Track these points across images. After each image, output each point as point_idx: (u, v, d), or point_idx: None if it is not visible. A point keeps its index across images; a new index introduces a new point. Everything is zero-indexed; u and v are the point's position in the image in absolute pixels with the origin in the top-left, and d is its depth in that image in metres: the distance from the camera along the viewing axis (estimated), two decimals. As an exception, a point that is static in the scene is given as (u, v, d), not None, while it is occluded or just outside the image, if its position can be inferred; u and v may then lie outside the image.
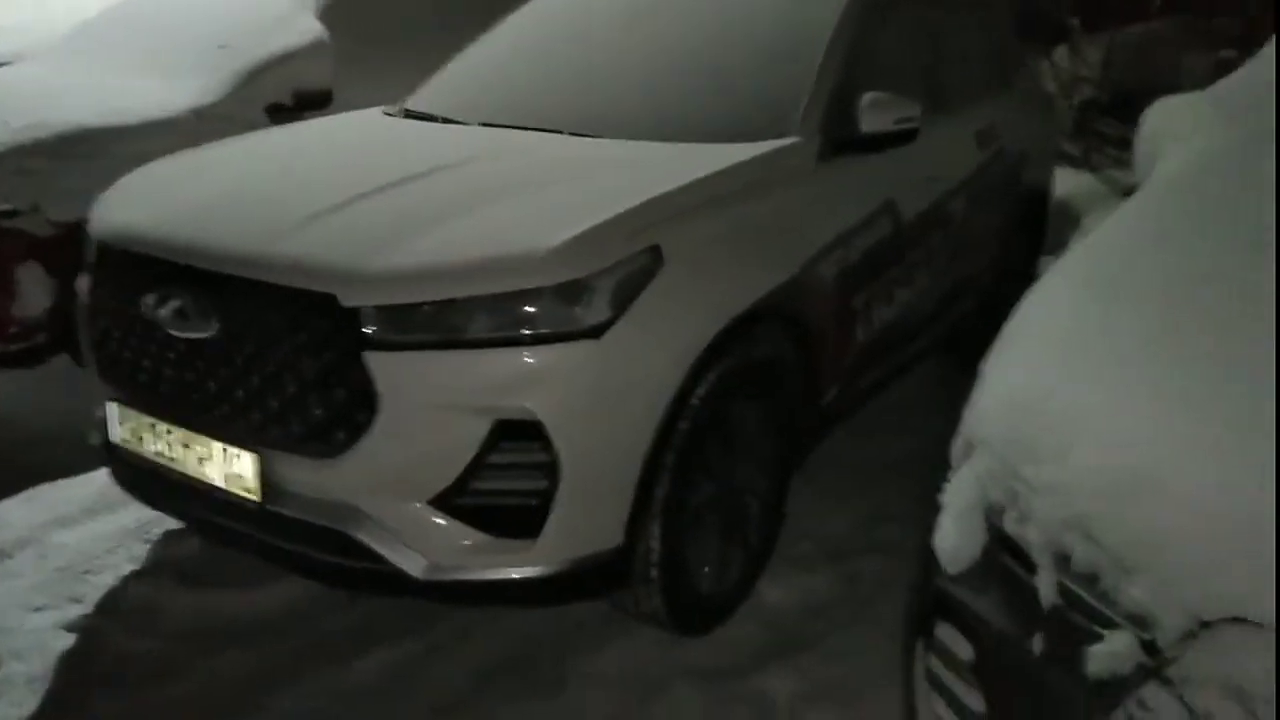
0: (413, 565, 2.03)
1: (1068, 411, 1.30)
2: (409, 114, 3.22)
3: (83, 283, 2.50)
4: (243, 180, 2.56)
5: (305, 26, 4.25)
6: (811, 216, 2.64)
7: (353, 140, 2.98)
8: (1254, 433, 1.14)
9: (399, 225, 2.14)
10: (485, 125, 2.95)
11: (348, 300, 1.98)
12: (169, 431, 2.23)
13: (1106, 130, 8.47)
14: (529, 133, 2.82)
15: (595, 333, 2.01)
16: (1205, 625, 1.07)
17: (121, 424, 2.34)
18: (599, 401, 2.02)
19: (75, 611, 2.59)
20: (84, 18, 4.86)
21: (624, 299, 2.05)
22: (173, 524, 2.92)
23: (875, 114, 2.69)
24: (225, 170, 2.67)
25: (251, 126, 3.79)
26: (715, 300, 2.25)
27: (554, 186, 2.36)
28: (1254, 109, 2.07)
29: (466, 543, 2.04)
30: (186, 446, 2.20)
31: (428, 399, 1.97)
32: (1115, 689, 1.13)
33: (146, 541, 2.89)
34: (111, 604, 2.64)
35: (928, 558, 1.49)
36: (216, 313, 2.11)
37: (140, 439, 2.29)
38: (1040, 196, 4.41)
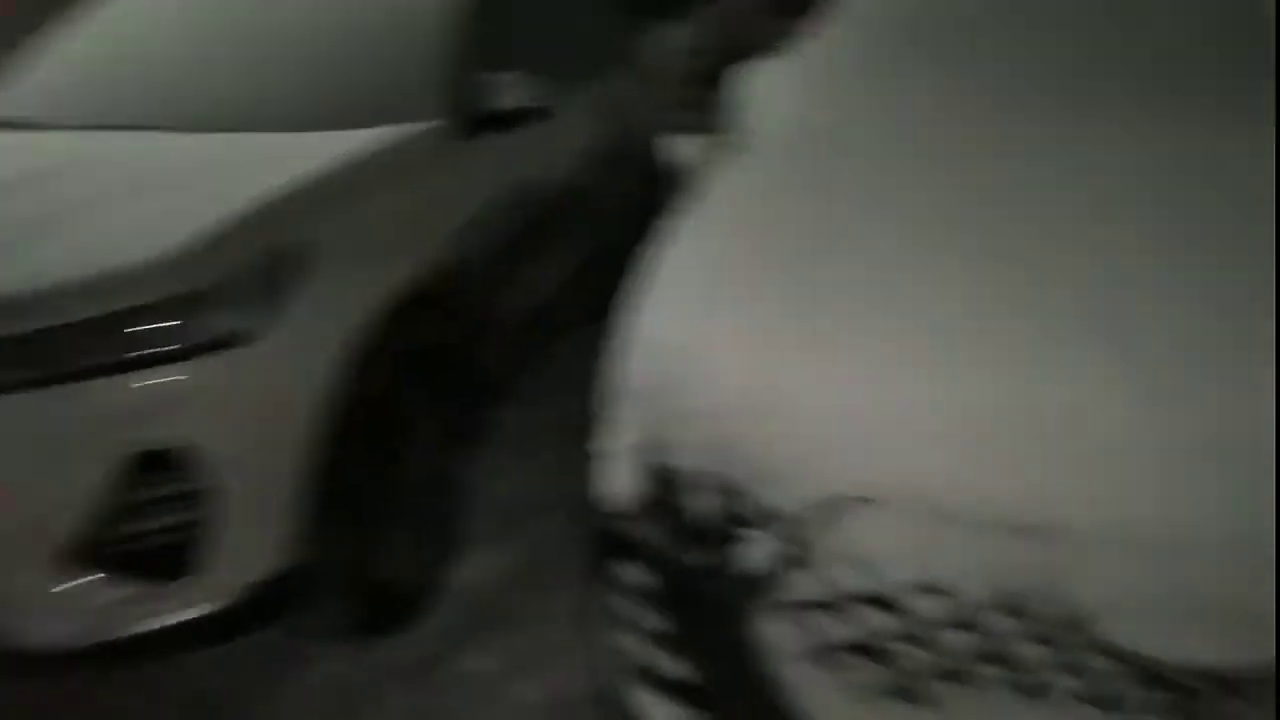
0: (51, 636, 1.79)
1: (702, 349, 1.44)
2: None
3: None
4: None
5: None
6: (454, 197, 2.65)
7: None
8: (854, 349, 1.35)
9: None
10: (74, 129, 2.64)
11: None
12: None
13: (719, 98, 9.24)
14: (132, 133, 2.56)
15: (234, 341, 1.86)
16: (828, 508, 1.24)
17: None
18: (249, 415, 1.88)
19: None
20: None
21: (265, 302, 1.93)
22: None
23: (508, 92, 2.75)
24: None
25: None
26: (368, 289, 2.18)
27: (166, 189, 2.16)
28: (838, 71, 2.37)
29: (113, 597, 1.81)
30: None
31: (42, 444, 1.73)
32: (766, 582, 1.28)
33: None
34: None
35: (595, 504, 1.56)
36: None
37: None
38: (661, 164, 4.68)
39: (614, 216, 4.02)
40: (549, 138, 3.16)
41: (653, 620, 1.44)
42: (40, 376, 1.73)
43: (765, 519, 1.28)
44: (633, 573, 1.46)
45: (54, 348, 1.75)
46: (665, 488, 1.41)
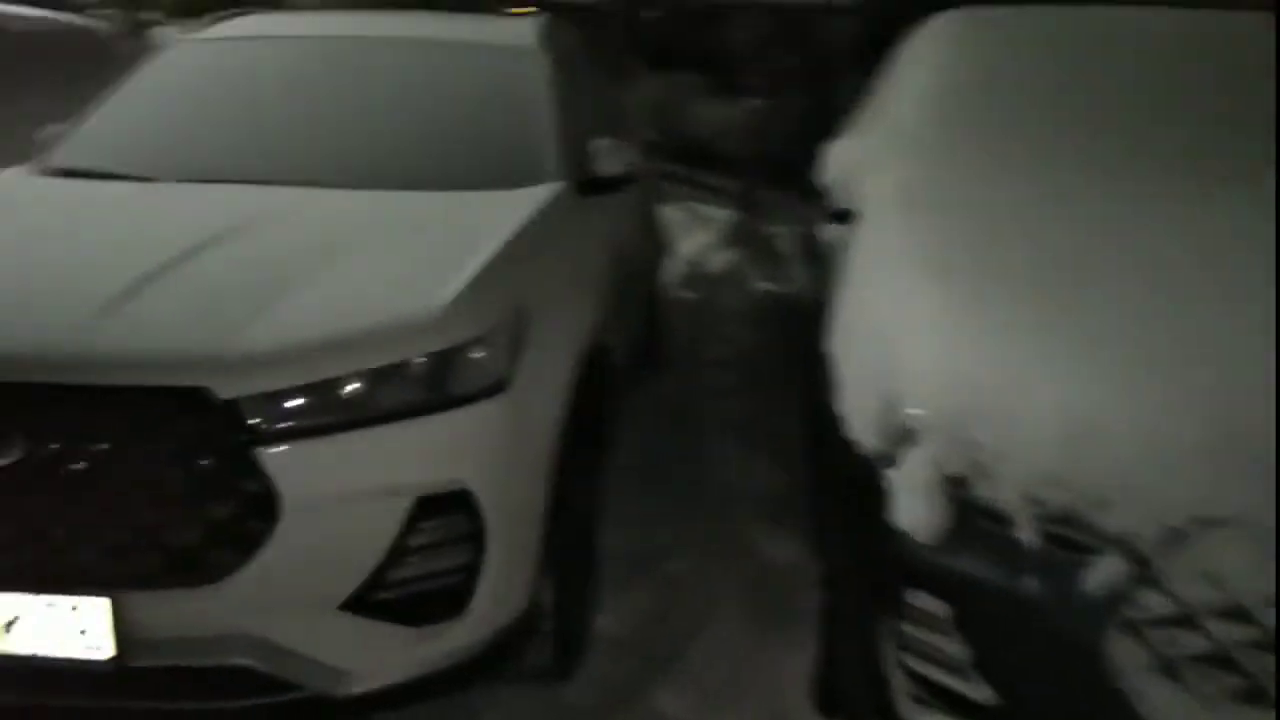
0: (333, 683, 1.72)
1: (1008, 380, 1.52)
2: (72, 172, 2.71)
3: None
4: None
5: None
6: (591, 255, 2.76)
7: (49, 207, 2.47)
8: (1174, 366, 1.46)
9: (242, 299, 1.83)
10: (199, 182, 2.57)
11: (224, 391, 1.63)
12: None
13: (672, 168, 9.42)
14: (280, 188, 2.51)
15: (501, 387, 1.87)
16: (1179, 531, 1.33)
17: None
18: (513, 457, 1.91)
19: None
20: None
21: (516, 349, 1.94)
22: None
23: (609, 158, 2.85)
24: None
25: None
26: (571, 342, 2.24)
27: (381, 242, 2.17)
28: (926, 142, 2.63)
29: (390, 641, 1.77)
30: None
31: (340, 489, 1.69)
32: (1112, 602, 1.35)
33: None
34: None
35: (882, 537, 1.62)
36: (18, 433, 1.61)
37: None
38: (657, 225, 4.86)
39: (646, 274, 4.14)
40: (630, 200, 3.29)
41: (952, 646, 1.51)
42: (328, 425, 1.70)
43: (1105, 541, 1.37)
44: (930, 602, 1.54)
45: (341, 398, 1.72)
46: (981, 519, 1.49)
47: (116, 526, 1.65)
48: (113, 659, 1.67)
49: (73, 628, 1.67)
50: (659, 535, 3.04)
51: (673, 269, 6.25)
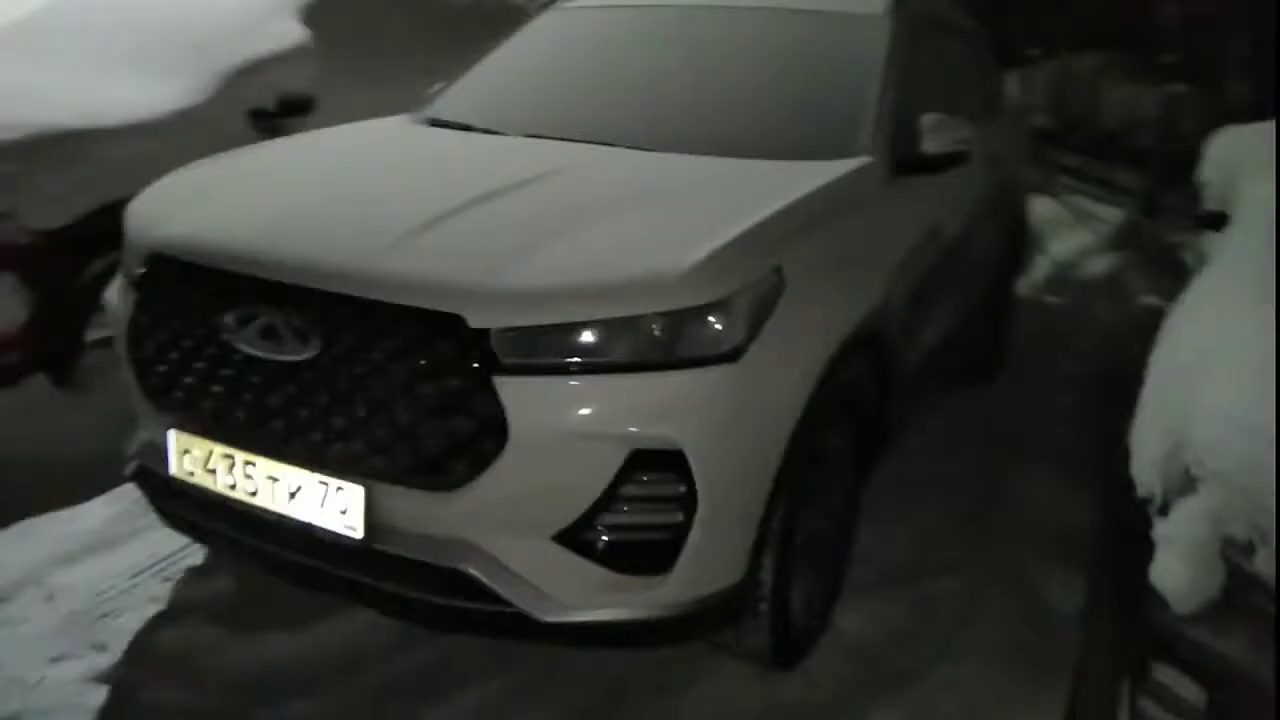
0: (537, 607, 1.85)
1: None
2: (439, 123, 3.05)
3: (119, 296, 2.28)
4: (307, 191, 2.36)
5: (287, 29, 4.11)
6: (887, 237, 2.58)
7: (405, 150, 2.82)
8: None
9: (512, 242, 1.97)
10: (535, 137, 2.78)
11: (476, 321, 1.80)
12: (250, 463, 2.00)
13: (1064, 160, 8.15)
14: (595, 146, 2.65)
15: (734, 356, 1.87)
16: None
17: (184, 455, 2.08)
18: (736, 428, 1.88)
19: (102, 661, 2.26)
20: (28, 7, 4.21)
21: (757, 320, 1.92)
22: (193, 559, 2.62)
23: (935, 135, 2.63)
24: (280, 180, 2.47)
25: (233, 131, 3.65)
26: (830, 322, 2.16)
27: (657, 202, 2.22)
28: None
29: (593, 581, 1.86)
30: (273, 480, 1.98)
31: (561, 428, 1.79)
32: None
33: (166, 579, 2.56)
34: (142, 651, 2.31)
35: (1140, 597, 1.39)
36: (318, 333, 1.90)
37: (208, 472, 2.05)
38: (1022, 220, 4.40)
39: (985, 270, 3.75)
40: (958, 184, 3.02)
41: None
42: (561, 366, 1.81)
43: None
44: (1180, 682, 1.33)
45: (587, 340, 1.82)
46: (1255, 594, 1.26)
47: (377, 425, 1.85)
48: (362, 539, 1.90)
49: (336, 506, 1.91)
50: (932, 550, 2.82)
51: (1038, 269, 5.69)
